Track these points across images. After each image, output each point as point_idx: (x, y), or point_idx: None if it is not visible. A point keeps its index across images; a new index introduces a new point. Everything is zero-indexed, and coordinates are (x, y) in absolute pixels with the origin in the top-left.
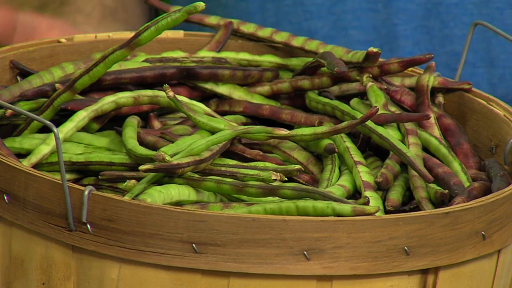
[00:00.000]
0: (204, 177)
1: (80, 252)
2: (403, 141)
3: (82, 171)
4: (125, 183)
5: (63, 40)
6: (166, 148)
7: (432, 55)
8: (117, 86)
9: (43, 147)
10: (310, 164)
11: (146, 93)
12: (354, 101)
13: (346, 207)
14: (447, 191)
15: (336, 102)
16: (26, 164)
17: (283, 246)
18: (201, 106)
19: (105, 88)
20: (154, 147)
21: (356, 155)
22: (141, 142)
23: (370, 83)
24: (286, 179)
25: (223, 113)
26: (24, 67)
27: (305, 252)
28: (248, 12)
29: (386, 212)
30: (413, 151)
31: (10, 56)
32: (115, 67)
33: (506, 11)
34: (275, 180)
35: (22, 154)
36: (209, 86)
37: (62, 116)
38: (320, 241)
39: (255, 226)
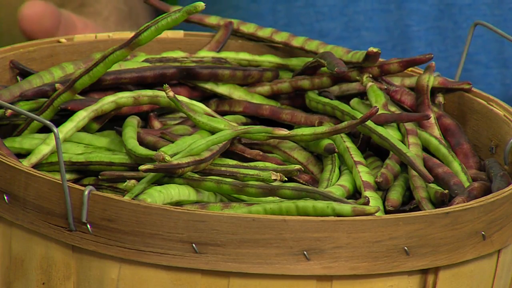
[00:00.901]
0: (204, 177)
1: (80, 252)
2: (403, 141)
3: (82, 171)
4: (125, 183)
5: (63, 40)
6: (166, 148)
7: (432, 55)
8: (117, 86)
9: (43, 147)
10: (310, 164)
11: (146, 93)
12: (354, 101)
13: (346, 207)
14: (447, 191)
15: (336, 102)
16: (26, 164)
17: (283, 246)
18: (201, 106)
19: (105, 88)
20: (154, 147)
21: (356, 155)
22: (141, 142)
23: (370, 83)
24: (286, 179)
25: (223, 113)
26: (24, 67)
27: (305, 252)
28: (259, 14)
29: (386, 212)
30: (413, 151)
31: (10, 56)
32: (115, 67)
33: None
34: (275, 180)
35: (22, 154)
36: (209, 86)
37: (62, 116)
38: (320, 241)
39: (255, 226)
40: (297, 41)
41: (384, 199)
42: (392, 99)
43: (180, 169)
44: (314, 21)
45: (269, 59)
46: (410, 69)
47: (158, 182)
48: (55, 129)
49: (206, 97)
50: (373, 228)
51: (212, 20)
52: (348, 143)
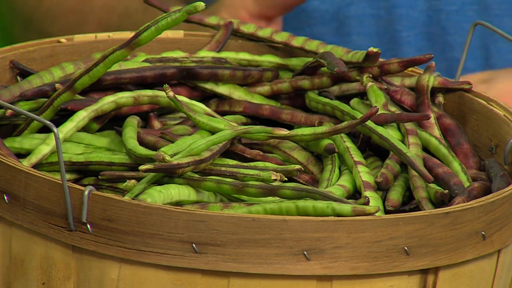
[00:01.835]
0: (204, 177)
1: (80, 252)
2: (403, 141)
3: (82, 171)
4: (125, 183)
5: (63, 40)
6: (166, 148)
7: (432, 55)
8: (117, 86)
9: (43, 147)
10: (310, 164)
11: (146, 93)
12: (354, 101)
13: (346, 207)
14: (447, 191)
15: (336, 102)
16: (26, 164)
17: (283, 246)
18: (201, 106)
19: (105, 88)
20: (154, 147)
21: (356, 155)
22: (141, 142)
23: (370, 83)
24: (286, 179)
25: (223, 113)
26: (24, 67)
27: (305, 252)
28: None
29: (386, 212)
30: (413, 151)
31: (10, 56)
32: (115, 67)
33: (505, 18)
34: (275, 180)
35: (22, 154)
36: (209, 86)
37: (62, 116)
38: (320, 241)
39: (255, 226)
40: (297, 41)
41: (384, 199)
42: (392, 99)
43: (180, 169)
44: (305, 25)
45: (269, 59)
46: (410, 69)
47: (158, 182)
48: (55, 129)
49: (206, 97)
50: (373, 228)
51: (212, 20)
52: (348, 143)
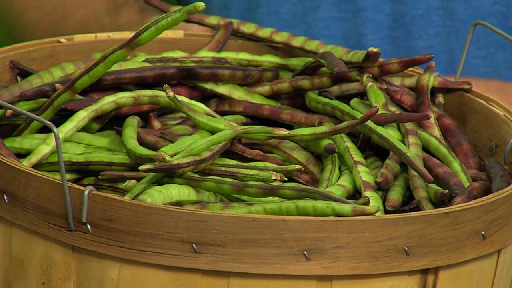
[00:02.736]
0: (204, 177)
1: (80, 252)
2: (403, 141)
3: (82, 171)
4: (125, 183)
5: (63, 40)
6: (166, 148)
7: (432, 55)
8: (117, 86)
9: (43, 147)
10: (310, 164)
11: (146, 93)
12: (354, 101)
13: (346, 207)
14: (447, 191)
15: (336, 102)
16: (26, 164)
17: (283, 246)
18: (201, 106)
19: (105, 88)
20: (154, 147)
21: (356, 155)
22: (141, 142)
23: (370, 83)
24: (286, 179)
25: (223, 113)
26: (24, 67)
27: (305, 252)
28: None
29: (386, 212)
30: (413, 151)
31: (10, 56)
32: (115, 67)
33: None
34: (275, 180)
35: (22, 154)
36: (209, 86)
37: (62, 116)
38: (320, 241)
39: (255, 226)
40: (297, 41)
41: (384, 199)
42: (392, 99)
43: (180, 169)
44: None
45: (269, 59)
46: (410, 69)
47: (158, 182)
48: (55, 129)
49: (206, 97)
50: (373, 228)
51: (212, 20)
52: (348, 143)
